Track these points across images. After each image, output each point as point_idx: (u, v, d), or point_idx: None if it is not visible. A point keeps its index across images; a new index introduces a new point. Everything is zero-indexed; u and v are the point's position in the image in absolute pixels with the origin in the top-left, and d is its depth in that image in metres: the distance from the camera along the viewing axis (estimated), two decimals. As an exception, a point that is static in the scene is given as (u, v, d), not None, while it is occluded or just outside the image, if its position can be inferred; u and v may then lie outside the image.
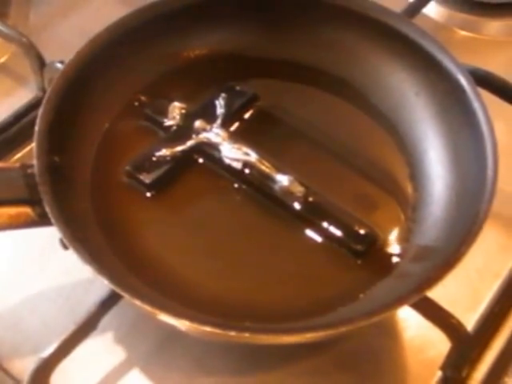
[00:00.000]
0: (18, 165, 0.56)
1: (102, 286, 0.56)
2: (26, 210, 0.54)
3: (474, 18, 0.84)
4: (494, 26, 0.84)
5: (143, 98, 0.66)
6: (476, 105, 0.59)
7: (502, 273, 0.64)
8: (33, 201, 0.54)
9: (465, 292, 0.62)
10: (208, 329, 0.49)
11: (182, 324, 0.51)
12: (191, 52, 0.69)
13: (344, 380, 0.59)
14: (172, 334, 0.60)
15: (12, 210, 0.54)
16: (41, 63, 0.72)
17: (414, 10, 0.77)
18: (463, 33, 0.83)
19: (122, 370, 0.59)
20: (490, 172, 0.55)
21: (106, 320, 0.57)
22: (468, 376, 0.59)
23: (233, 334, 0.49)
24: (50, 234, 0.56)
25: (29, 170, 0.55)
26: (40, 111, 0.58)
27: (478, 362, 0.59)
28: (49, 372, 0.55)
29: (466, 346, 0.57)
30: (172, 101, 0.65)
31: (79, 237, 0.52)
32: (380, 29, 0.65)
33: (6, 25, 0.78)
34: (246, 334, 0.49)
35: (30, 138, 0.68)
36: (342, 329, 0.50)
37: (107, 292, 0.57)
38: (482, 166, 0.56)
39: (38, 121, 0.57)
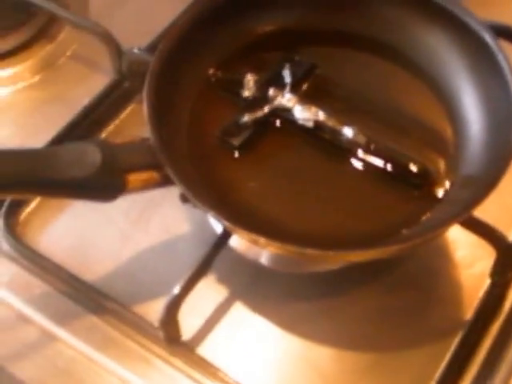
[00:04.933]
0: (139, 139, 0.62)
1: (199, 238, 0.68)
2: (152, 174, 0.60)
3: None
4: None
5: (219, 74, 0.72)
6: (500, 56, 0.66)
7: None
8: (157, 166, 0.60)
9: (502, 214, 0.68)
10: (317, 252, 0.58)
11: (291, 251, 0.60)
12: (259, 29, 0.74)
13: (409, 296, 0.67)
14: (262, 270, 0.68)
15: (143, 175, 0.60)
16: (118, 50, 0.77)
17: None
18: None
19: (225, 302, 0.67)
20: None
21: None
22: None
23: (331, 253, 0.59)
24: (147, 198, 0.65)
25: (148, 142, 0.61)
26: (144, 94, 0.64)
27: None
28: (178, 307, 0.62)
29: (509, 254, 0.65)
30: (245, 73, 0.71)
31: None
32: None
33: (83, 16, 0.84)
34: (342, 252, 0.59)
35: (112, 117, 0.78)
36: (419, 240, 0.60)
37: (218, 236, 0.64)
38: (509, 107, 0.64)
39: (144, 103, 0.63)
